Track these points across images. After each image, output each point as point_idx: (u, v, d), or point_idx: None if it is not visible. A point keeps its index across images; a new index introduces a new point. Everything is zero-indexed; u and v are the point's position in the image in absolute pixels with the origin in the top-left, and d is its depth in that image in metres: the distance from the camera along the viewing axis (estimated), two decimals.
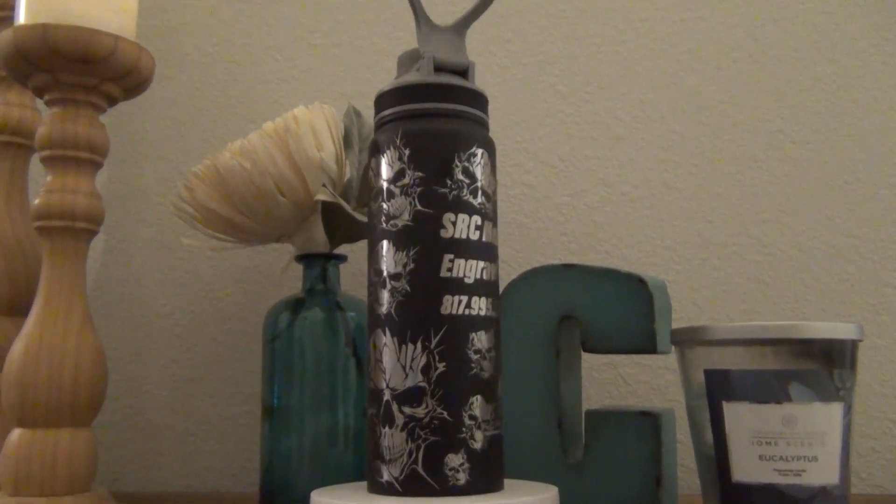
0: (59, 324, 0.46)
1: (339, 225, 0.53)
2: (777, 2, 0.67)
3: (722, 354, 0.39)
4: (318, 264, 0.54)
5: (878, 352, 0.63)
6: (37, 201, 0.47)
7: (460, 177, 0.37)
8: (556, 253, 0.66)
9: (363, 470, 0.50)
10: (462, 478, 0.36)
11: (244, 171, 0.50)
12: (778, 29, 0.67)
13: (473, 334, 0.37)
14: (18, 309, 0.56)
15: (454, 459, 0.36)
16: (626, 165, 0.66)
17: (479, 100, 0.39)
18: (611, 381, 0.64)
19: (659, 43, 0.68)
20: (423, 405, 0.36)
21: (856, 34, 0.66)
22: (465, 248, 0.37)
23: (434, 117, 0.38)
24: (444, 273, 0.37)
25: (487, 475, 0.36)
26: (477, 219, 0.37)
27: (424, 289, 0.37)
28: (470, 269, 0.37)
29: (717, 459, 0.39)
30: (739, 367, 0.38)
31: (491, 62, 0.68)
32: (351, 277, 0.64)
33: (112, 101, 0.49)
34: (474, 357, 0.37)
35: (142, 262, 0.68)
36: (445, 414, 0.36)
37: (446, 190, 0.37)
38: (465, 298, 0.37)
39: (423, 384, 0.36)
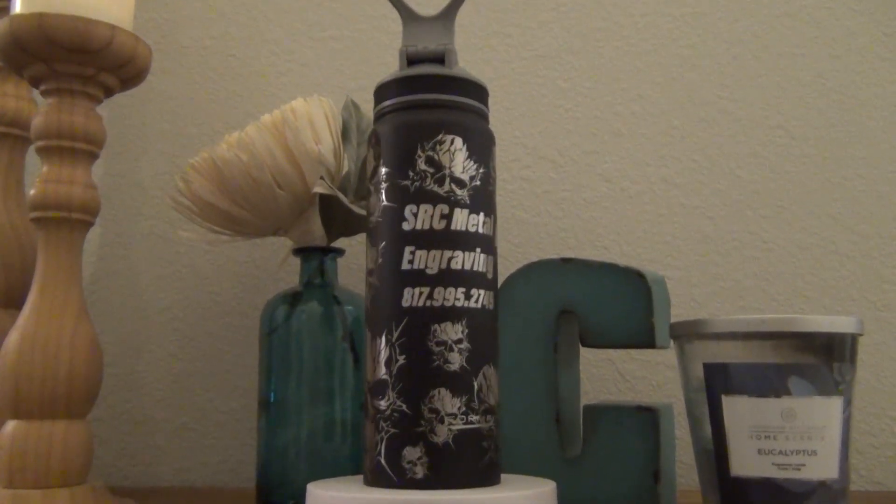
0: (55, 315, 0.46)
1: (337, 218, 0.53)
2: None
3: (721, 348, 0.39)
4: (316, 258, 0.53)
5: (878, 348, 0.63)
6: (32, 192, 0.46)
7: (423, 167, 0.37)
8: (555, 248, 0.65)
9: (359, 464, 0.50)
10: (420, 471, 0.35)
11: (241, 163, 0.50)
12: (778, 24, 0.67)
13: (436, 326, 0.36)
14: (14, 300, 0.56)
15: (412, 453, 0.35)
16: (625, 161, 0.66)
17: (451, 84, 0.38)
18: (609, 377, 0.63)
19: (659, 38, 0.67)
20: (386, 398, 0.36)
21: (857, 30, 0.66)
22: (426, 239, 0.36)
23: (407, 110, 0.38)
24: (405, 266, 0.36)
25: (451, 470, 0.35)
26: (443, 207, 0.37)
27: (388, 283, 0.37)
28: (432, 260, 0.36)
29: (715, 453, 0.38)
30: (739, 361, 0.38)
31: (491, 57, 0.68)
32: (348, 271, 0.64)
33: (109, 92, 0.49)
34: (437, 349, 0.36)
35: (139, 255, 0.67)
36: (404, 407, 0.36)
37: (408, 182, 0.37)
38: (426, 290, 0.36)
39: (385, 377, 0.36)
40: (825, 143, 0.65)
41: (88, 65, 0.46)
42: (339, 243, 0.62)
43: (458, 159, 0.37)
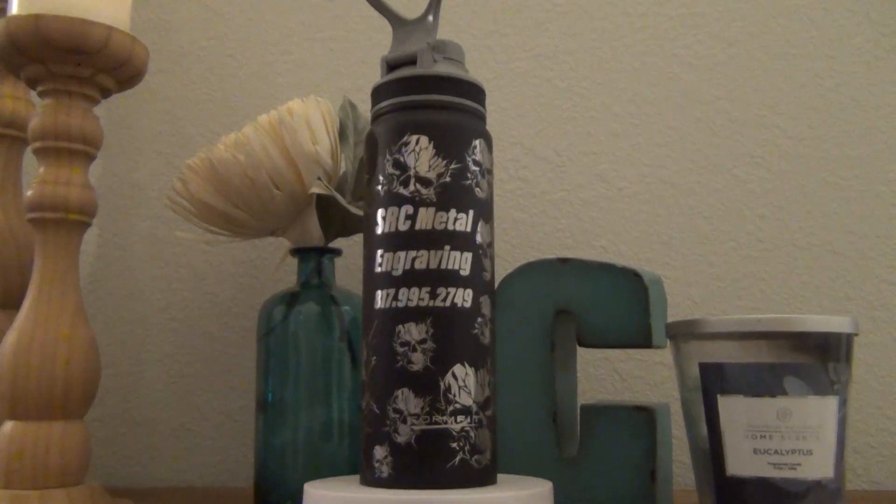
0: (52, 316, 0.46)
1: (334, 218, 0.53)
2: None
3: (717, 348, 0.39)
4: (313, 258, 0.54)
5: (875, 348, 0.63)
6: (29, 193, 0.47)
7: (391, 170, 0.37)
8: (552, 248, 0.65)
9: (357, 464, 0.50)
10: (385, 470, 0.36)
11: (239, 164, 0.50)
12: (775, 25, 0.67)
13: (400, 326, 0.36)
14: (11, 301, 0.56)
15: (379, 452, 0.36)
16: (622, 161, 0.66)
17: (417, 84, 0.38)
18: (606, 376, 0.64)
19: (656, 38, 0.67)
20: (364, 398, 0.37)
21: (852, 30, 0.66)
22: (392, 241, 0.37)
23: (381, 118, 0.39)
24: (377, 269, 0.37)
25: (414, 470, 0.35)
26: (408, 208, 0.37)
27: (367, 286, 0.38)
28: (398, 262, 0.37)
29: (711, 453, 0.39)
30: (734, 361, 0.38)
31: (488, 57, 0.68)
32: (346, 271, 0.64)
33: (106, 93, 0.49)
34: (400, 350, 0.36)
35: (136, 256, 0.67)
36: (375, 407, 0.36)
37: (380, 187, 0.38)
38: (392, 291, 0.37)
39: (365, 378, 0.37)
40: (822, 143, 0.65)
41: (85, 66, 0.46)
42: (337, 243, 0.62)
43: (424, 158, 0.37)
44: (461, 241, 0.37)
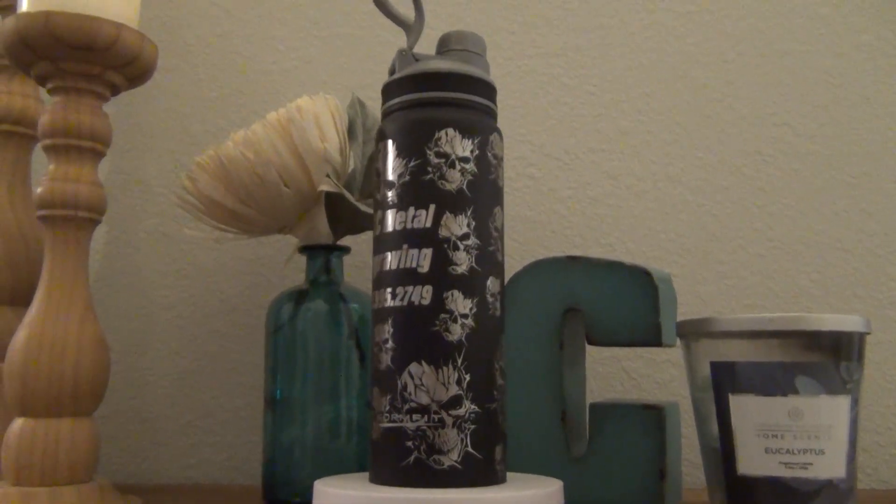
0: (61, 313, 0.46)
1: (343, 216, 0.53)
2: None
3: (728, 347, 0.38)
4: (322, 255, 0.54)
5: (884, 347, 0.63)
6: (39, 190, 0.47)
7: (375, 178, 0.39)
8: (561, 246, 0.65)
9: (365, 462, 0.50)
10: (369, 465, 0.38)
11: (247, 161, 0.50)
12: (784, 21, 0.67)
13: (375, 328, 0.38)
14: (20, 298, 0.56)
15: (369, 447, 0.38)
16: (630, 158, 0.66)
17: (387, 92, 0.39)
18: (614, 375, 0.63)
19: (664, 35, 0.67)
20: None
21: (861, 27, 0.66)
22: (377, 245, 0.38)
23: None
24: (370, 275, 0.39)
25: (379, 467, 0.36)
26: (380, 213, 0.38)
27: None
28: (378, 264, 0.38)
29: (722, 452, 0.38)
30: (746, 360, 0.38)
31: (496, 54, 0.68)
32: (354, 269, 0.64)
33: (115, 90, 0.49)
34: (375, 350, 0.37)
35: (144, 253, 0.68)
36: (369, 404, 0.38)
37: (375, 195, 0.39)
38: (375, 294, 0.38)
39: None
40: (830, 141, 0.65)
41: (95, 63, 0.46)
42: (345, 241, 0.62)
43: (388, 162, 0.38)
44: (417, 238, 0.36)
